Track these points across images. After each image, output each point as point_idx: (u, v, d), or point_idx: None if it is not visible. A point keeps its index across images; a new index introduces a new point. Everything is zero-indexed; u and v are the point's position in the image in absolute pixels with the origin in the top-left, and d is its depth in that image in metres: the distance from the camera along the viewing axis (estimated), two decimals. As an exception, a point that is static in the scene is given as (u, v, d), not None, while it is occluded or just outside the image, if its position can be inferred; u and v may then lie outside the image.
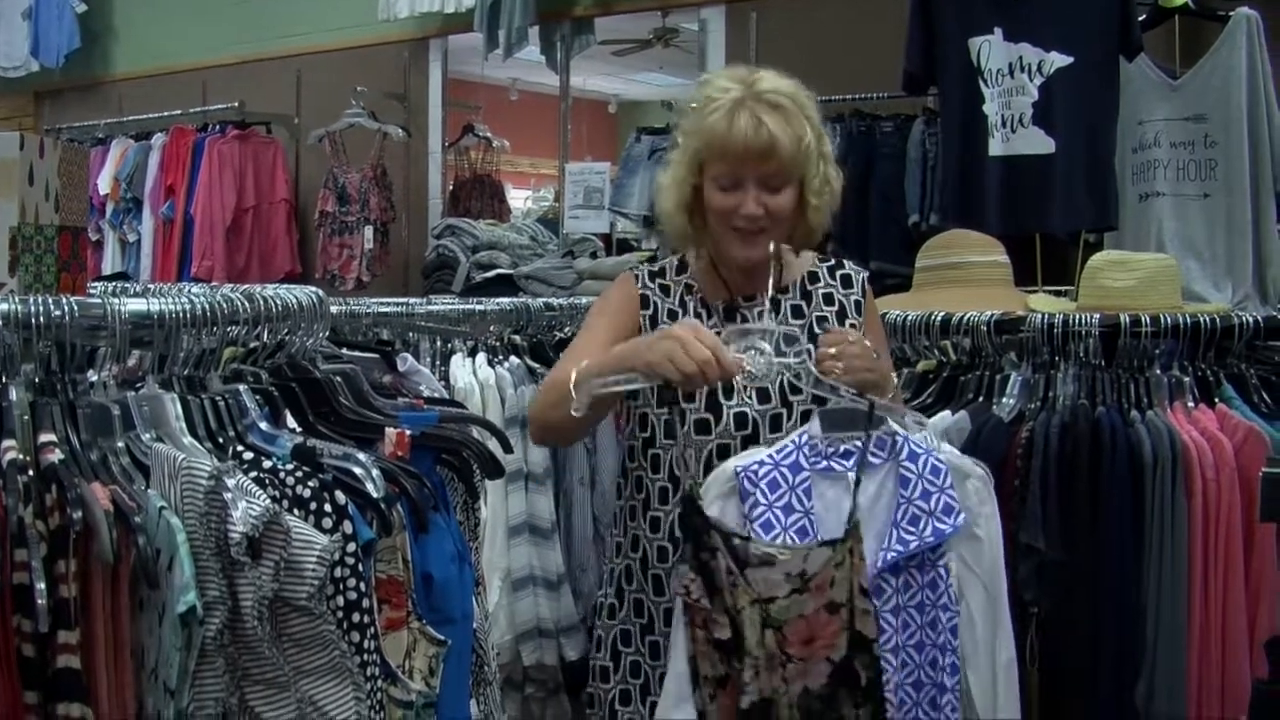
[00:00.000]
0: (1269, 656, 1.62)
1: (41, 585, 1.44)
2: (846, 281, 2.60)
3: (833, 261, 2.64)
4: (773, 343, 2.19)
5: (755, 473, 2.22)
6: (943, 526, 2.26)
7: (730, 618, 2.15)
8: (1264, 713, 1.42)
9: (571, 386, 2.26)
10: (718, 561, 2.14)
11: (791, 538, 2.20)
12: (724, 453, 2.40)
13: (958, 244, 3.77)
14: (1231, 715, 2.50)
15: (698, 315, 2.50)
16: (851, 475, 2.25)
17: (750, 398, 2.44)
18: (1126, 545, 2.55)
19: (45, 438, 1.57)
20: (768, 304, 2.44)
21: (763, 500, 2.21)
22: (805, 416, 2.40)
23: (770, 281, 2.42)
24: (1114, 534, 2.55)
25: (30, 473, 1.51)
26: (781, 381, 2.41)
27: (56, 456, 1.54)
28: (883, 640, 2.24)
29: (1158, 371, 2.71)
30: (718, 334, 2.18)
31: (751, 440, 2.41)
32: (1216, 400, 2.70)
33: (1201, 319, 2.73)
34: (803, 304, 2.55)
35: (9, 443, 1.55)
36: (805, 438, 2.27)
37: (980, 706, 2.32)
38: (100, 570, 1.52)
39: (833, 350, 2.32)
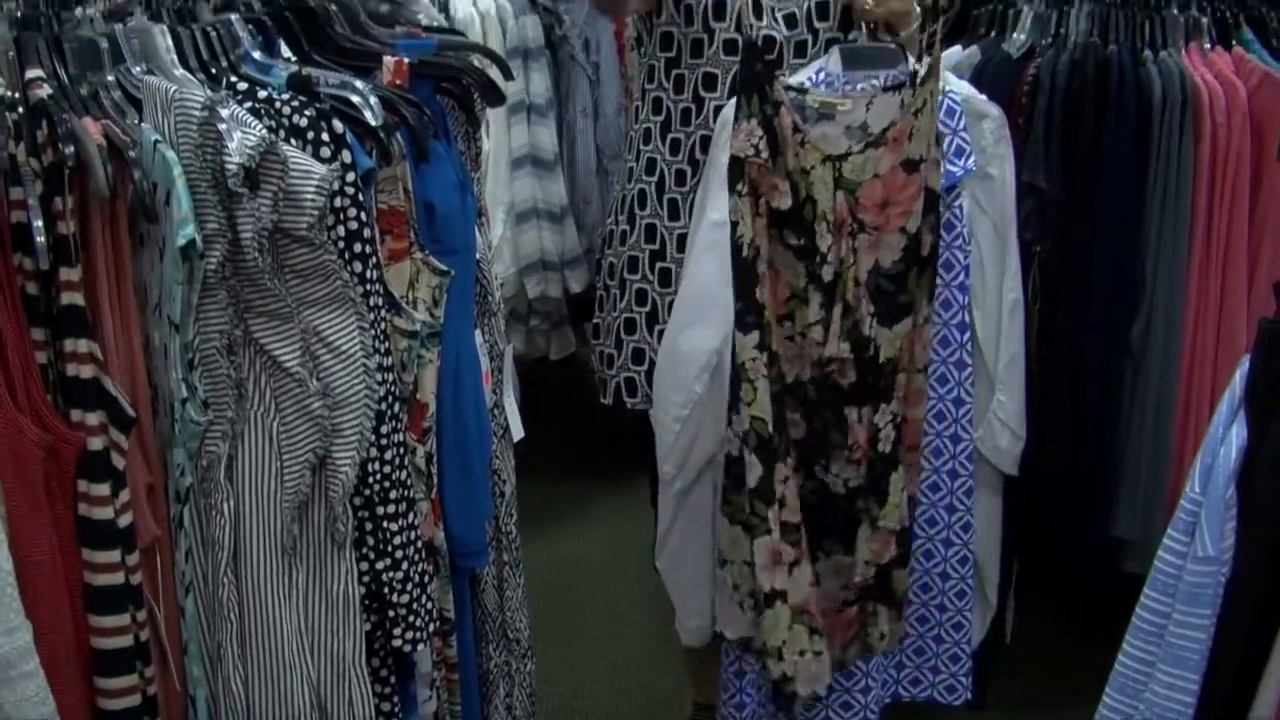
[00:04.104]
0: (1278, 297, 1.64)
1: (39, 223, 1.45)
2: None
3: None
4: None
5: None
6: (954, 169, 2.24)
7: (793, 183, 2.04)
8: (1271, 350, 1.46)
9: None
10: (781, 118, 2.01)
11: None
12: None
13: None
14: (1227, 350, 2.54)
15: None
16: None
17: (778, 21, 2.41)
18: (1129, 186, 2.53)
19: (32, 73, 1.53)
20: None
21: None
22: (830, 45, 2.36)
23: None
24: (1117, 175, 2.52)
25: (19, 110, 1.49)
26: (809, 6, 2.39)
27: (45, 92, 1.51)
28: None
29: (1174, 10, 2.60)
30: None
31: (775, 65, 2.37)
32: (1234, 43, 2.62)
33: (1224, -44, 2.62)
34: None
35: (-7, 79, 1.51)
36: (823, 74, 2.23)
37: (984, 344, 2.36)
38: (98, 206, 1.52)
39: None
